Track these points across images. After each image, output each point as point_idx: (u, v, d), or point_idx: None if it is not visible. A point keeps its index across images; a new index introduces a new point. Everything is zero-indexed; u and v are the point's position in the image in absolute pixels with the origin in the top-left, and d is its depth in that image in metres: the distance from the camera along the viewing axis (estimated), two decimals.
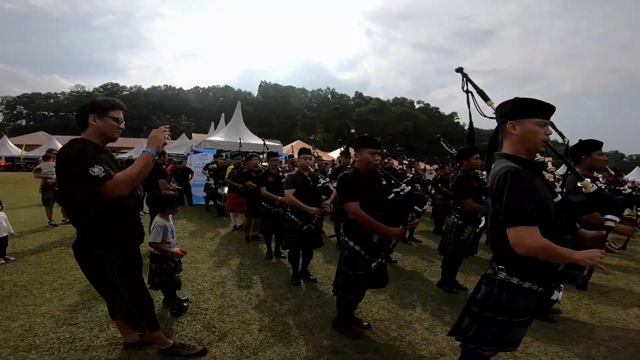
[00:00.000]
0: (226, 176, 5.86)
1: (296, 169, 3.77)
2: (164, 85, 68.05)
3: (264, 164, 6.80)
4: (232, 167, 5.91)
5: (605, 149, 2.83)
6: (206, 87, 72.88)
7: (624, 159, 65.81)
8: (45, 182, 5.85)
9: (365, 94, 69.49)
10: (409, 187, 2.38)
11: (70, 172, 1.64)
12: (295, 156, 9.81)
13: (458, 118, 68.90)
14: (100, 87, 61.99)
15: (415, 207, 2.29)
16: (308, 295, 3.32)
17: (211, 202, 7.93)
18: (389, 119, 54.45)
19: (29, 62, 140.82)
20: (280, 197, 3.89)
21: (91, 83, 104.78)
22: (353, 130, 3.19)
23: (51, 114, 56.63)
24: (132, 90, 64.69)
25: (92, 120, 1.77)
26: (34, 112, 57.37)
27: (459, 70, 2.19)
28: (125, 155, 20.85)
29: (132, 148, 25.01)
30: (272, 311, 2.92)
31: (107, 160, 1.75)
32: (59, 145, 11.24)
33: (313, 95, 71.06)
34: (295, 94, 67.15)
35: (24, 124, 56.13)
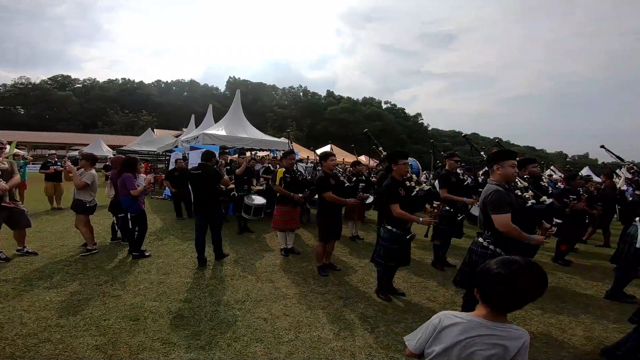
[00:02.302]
0: (276, 182, 4.55)
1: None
2: (122, 79, 63.47)
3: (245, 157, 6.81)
4: (283, 169, 4.69)
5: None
6: (169, 81, 69.01)
7: (567, 159, 73.82)
8: None
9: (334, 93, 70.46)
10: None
11: None
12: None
13: (422, 119, 72.55)
14: (49, 79, 56.31)
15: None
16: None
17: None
18: (359, 119, 55.76)
19: None
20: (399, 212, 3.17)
21: (38, 75, 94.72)
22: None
23: None
24: (85, 83, 59.55)
25: None
26: None
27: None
28: (76, 153, 19.16)
29: (87, 145, 22.76)
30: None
31: None
32: None
33: (284, 92, 70.53)
34: (266, 91, 66.26)
35: None
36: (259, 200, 5.94)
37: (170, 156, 13.49)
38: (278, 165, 10.11)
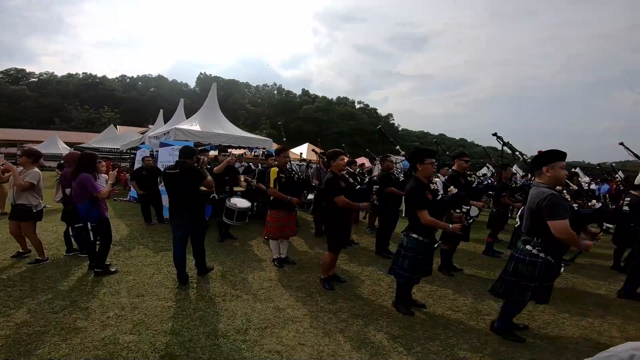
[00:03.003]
0: (270, 184, 3.89)
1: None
2: (82, 73, 59.02)
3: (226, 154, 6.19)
4: (277, 169, 4.04)
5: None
6: (135, 76, 65.67)
7: (527, 159, 79.05)
8: None
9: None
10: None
11: None
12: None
13: (393, 119, 74.24)
14: (0, 72, 50.98)
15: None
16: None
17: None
18: (334, 118, 55.90)
19: None
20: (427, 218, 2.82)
21: None
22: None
23: None
24: (41, 77, 54.53)
25: None
26: None
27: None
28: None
29: (41, 142, 20.69)
30: None
31: None
32: None
33: (257, 90, 68.96)
34: (238, 88, 64.36)
35: None
36: (242, 203, 5.25)
37: (135, 154, 12.35)
38: (260, 165, 9.49)
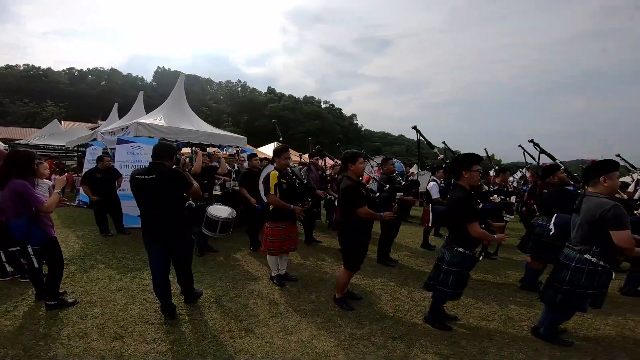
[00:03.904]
0: (270, 190, 3.32)
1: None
2: (24, 65, 52.61)
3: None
4: (277, 172, 3.46)
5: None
6: (84, 69, 60.67)
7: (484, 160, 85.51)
8: None
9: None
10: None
11: None
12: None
13: (357, 120, 75.78)
14: None
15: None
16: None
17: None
18: (300, 117, 55.43)
19: None
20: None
21: None
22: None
23: None
24: None
25: None
26: None
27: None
28: None
29: None
30: None
31: None
32: None
33: (220, 87, 66.14)
34: (200, 84, 61.22)
35: None
36: (225, 211, 4.42)
37: (84, 152, 10.76)
38: (235, 165, 8.67)
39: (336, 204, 6.11)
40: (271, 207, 3.41)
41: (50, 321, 2.60)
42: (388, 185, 3.70)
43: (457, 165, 2.67)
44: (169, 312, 2.73)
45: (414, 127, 3.66)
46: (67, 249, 4.58)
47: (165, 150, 2.73)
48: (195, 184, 2.75)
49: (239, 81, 68.79)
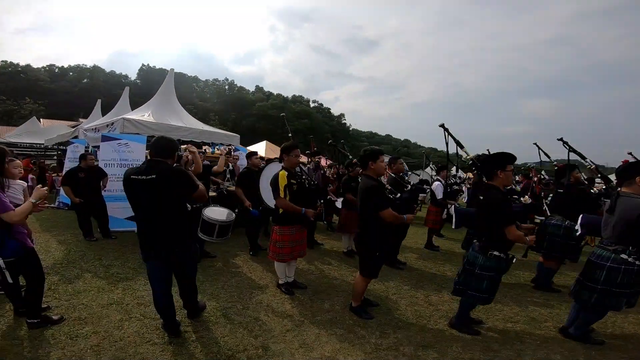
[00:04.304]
0: (280, 193, 3.10)
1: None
2: (1, 62, 50.03)
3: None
4: (286, 172, 3.19)
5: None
6: (66, 66, 58.10)
7: (463, 159, 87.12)
8: None
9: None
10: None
11: None
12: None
13: (345, 119, 75.83)
14: None
15: None
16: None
17: None
18: (289, 116, 55.04)
19: None
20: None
21: None
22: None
23: None
24: None
25: None
26: None
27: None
28: None
29: None
30: None
31: None
32: None
33: (206, 85, 64.83)
34: (186, 82, 59.75)
35: None
36: (223, 214, 4.01)
37: (65, 150, 10.09)
38: (230, 165, 8.27)
39: (338, 205, 5.91)
40: (281, 210, 3.13)
41: (36, 342, 2.24)
42: (410, 185, 3.49)
43: (492, 165, 2.53)
44: (173, 329, 2.41)
45: (442, 125, 3.49)
46: (47, 255, 4.16)
47: (166, 145, 2.36)
48: (201, 185, 2.40)
49: (226, 79, 67.81)
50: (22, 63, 52.01)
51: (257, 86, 67.62)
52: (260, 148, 14.91)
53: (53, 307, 2.74)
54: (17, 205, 2.30)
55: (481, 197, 2.58)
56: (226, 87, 65.72)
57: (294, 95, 69.46)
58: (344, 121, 75.39)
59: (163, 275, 2.35)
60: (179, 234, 2.28)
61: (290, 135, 4.44)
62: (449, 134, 3.49)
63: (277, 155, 4.93)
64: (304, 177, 3.35)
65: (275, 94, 65.15)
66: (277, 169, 3.21)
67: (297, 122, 55.09)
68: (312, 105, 70.04)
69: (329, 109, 73.99)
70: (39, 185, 2.35)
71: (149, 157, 2.33)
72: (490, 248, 2.49)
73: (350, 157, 6.23)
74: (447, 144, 3.81)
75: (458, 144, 3.62)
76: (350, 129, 78.46)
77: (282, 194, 3.01)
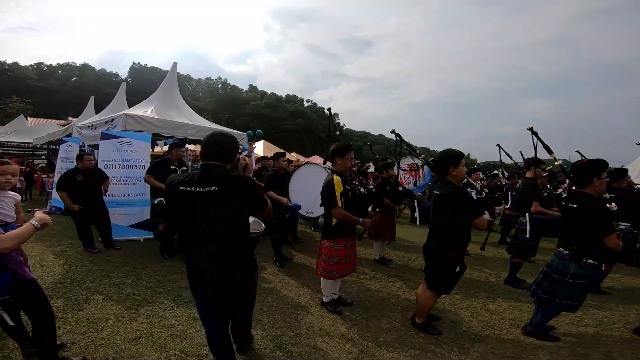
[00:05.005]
0: (338, 202, 2.56)
1: None
2: None
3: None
4: (339, 178, 2.70)
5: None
6: (55, 64, 56.61)
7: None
8: None
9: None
10: None
11: None
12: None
13: (339, 119, 75.76)
14: None
15: None
16: None
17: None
18: (283, 115, 54.55)
19: None
20: None
21: None
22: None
23: None
24: None
25: None
26: None
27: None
28: None
29: None
30: None
31: None
32: None
33: (199, 84, 63.84)
34: (179, 81, 58.86)
35: None
36: (252, 223, 3.60)
37: (56, 149, 9.33)
38: (258, 166, 7.72)
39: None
40: (334, 221, 2.68)
41: None
42: (486, 191, 3.14)
43: (588, 172, 2.45)
44: None
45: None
46: (45, 272, 3.59)
47: (226, 145, 1.75)
48: (269, 201, 1.88)
49: (220, 78, 66.95)
50: (9, 60, 50.85)
51: (250, 85, 66.95)
52: (258, 147, 14.47)
53: (68, 343, 2.22)
54: (7, 224, 1.79)
55: (572, 205, 2.41)
56: (219, 86, 64.92)
57: (288, 94, 69.05)
58: (337, 121, 75.29)
59: (218, 315, 1.84)
60: (241, 262, 1.74)
61: (338, 133, 3.98)
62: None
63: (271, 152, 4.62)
64: (355, 182, 2.91)
65: (269, 93, 64.55)
66: (314, 173, 2.83)
67: (290, 122, 54.74)
68: (306, 105, 69.75)
69: (323, 108, 73.88)
70: (39, 213, 1.79)
71: (200, 161, 1.80)
72: (585, 256, 2.41)
73: (378, 156, 5.82)
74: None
75: (547, 149, 3.32)
76: (344, 128, 78.41)
77: (339, 203, 2.55)
